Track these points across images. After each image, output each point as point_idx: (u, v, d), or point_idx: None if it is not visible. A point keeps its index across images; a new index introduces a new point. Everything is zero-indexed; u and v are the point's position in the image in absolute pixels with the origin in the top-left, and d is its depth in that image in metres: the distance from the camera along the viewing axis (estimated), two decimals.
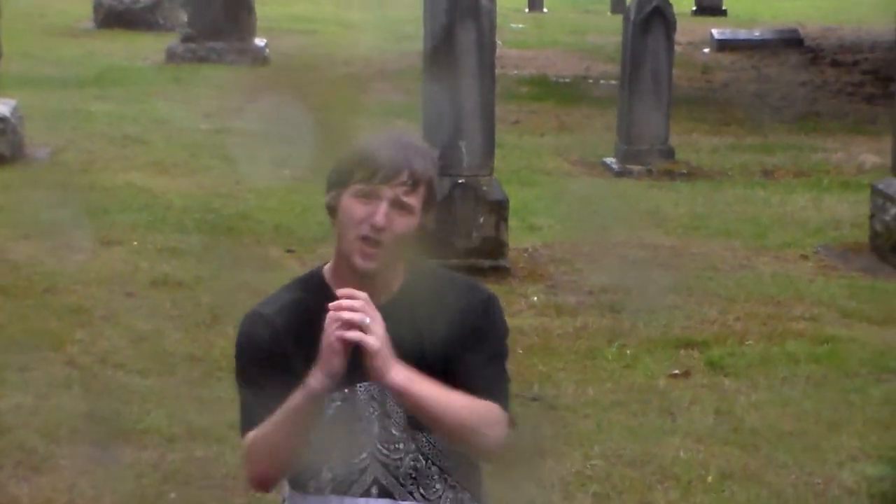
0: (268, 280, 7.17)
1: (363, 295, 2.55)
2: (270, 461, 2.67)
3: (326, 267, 2.76)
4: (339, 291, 2.58)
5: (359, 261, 2.64)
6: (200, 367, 5.67)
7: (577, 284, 7.18)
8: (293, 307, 2.72)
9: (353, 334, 2.52)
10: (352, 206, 2.64)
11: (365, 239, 2.63)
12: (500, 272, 7.21)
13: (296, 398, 2.58)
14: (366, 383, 2.66)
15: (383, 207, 2.62)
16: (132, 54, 15.08)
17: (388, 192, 2.63)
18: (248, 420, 2.70)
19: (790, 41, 18.18)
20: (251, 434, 2.68)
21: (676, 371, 5.92)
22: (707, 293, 7.10)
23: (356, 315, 2.53)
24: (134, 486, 4.63)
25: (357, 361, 2.59)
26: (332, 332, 2.53)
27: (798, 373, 5.91)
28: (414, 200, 2.65)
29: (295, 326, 2.68)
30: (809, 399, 5.61)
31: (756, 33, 18.59)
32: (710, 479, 4.81)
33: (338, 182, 2.68)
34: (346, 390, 2.66)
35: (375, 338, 2.52)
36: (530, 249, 7.82)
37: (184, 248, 7.47)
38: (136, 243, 7.55)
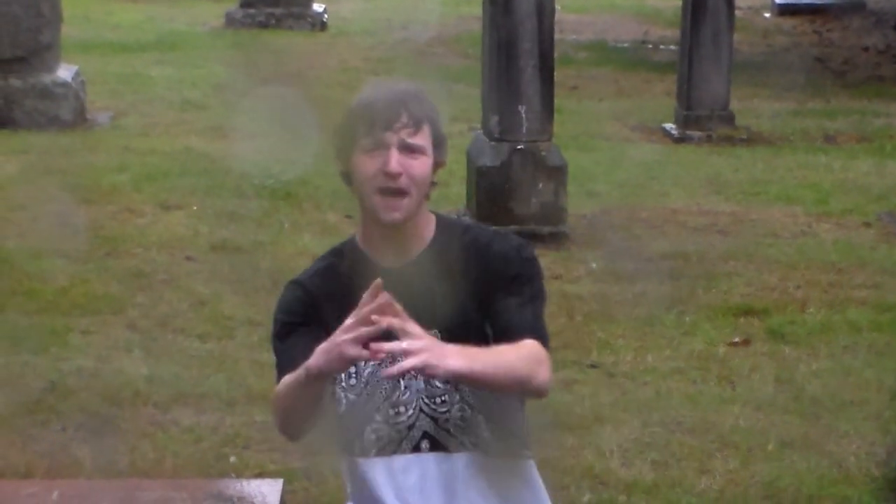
0: (326, 245, 7.19)
1: (390, 305, 2.45)
2: (286, 416, 2.68)
3: (358, 233, 2.78)
4: (364, 302, 2.47)
5: (385, 215, 2.66)
6: (259, 332, 5.69)
7: (635, 251, 7.14)
8: (326, 272, 2.76)
9: (394, 370, 2.46)
10: (362, 162, 2.66)
11: (384, 191, 2.64)
12: (559, 238, 7.18)
13: (300, 371, 2.57)
14: None
15: (393, 153, 2.64)
16: (191, 19, 15.12)
17: (392, 138, 2.64)
18: (281, 370, 2.72)
19: (853, 5, 17.89)
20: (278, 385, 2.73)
21: (736, 339, 5.88)
22: (767, 260, 7.04)
23: (392, 346, 2.44)
24: (193, 449, 4.66)
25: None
26: (344, 343, 2.46)
27: (860, 341, 5.85)
28: (421, 140, 2.67)
29: (328, 289, 2.72)
30: (871, 368, 5.56)
31: None
32: (770, 447, 4.78)
33: (343, 146, 2.70)
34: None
35: (418, 354, 2.43)
36: (589, 215, 7.78)
37: (243, 213, 7.49)
38: (195, 208, 7.58)
